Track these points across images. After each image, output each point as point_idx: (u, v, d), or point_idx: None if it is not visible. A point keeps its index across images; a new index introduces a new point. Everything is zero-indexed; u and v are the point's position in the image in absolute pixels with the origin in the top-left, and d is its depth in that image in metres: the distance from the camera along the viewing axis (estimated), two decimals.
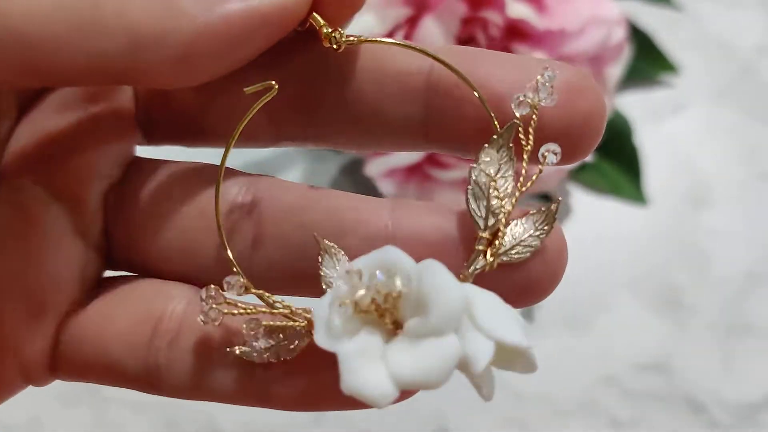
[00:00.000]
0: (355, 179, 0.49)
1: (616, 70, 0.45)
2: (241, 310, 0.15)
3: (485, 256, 0.15)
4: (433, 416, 0.41)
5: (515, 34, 0.40)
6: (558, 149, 0.15)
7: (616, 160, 0.48)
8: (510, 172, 0.15)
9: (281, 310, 0.15)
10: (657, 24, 0.51)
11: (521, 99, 0.15)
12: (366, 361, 0.13)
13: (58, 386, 0.18)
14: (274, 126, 0.17)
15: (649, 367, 0.42)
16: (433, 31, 0.37)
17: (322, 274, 0.15)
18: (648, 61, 0.51)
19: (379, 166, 0.40)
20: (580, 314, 0.44)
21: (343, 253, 0.15)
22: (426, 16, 0.37)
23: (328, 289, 0.14)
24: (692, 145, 0.50)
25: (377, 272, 0.13)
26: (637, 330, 0.43)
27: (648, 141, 0.49)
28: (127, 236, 0.17)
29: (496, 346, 0.14)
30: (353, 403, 0.13)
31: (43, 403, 0.41)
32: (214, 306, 0.15)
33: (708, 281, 0.45)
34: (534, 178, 0.16)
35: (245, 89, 0.15)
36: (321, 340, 0.13)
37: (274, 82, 0.15)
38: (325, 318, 0.13)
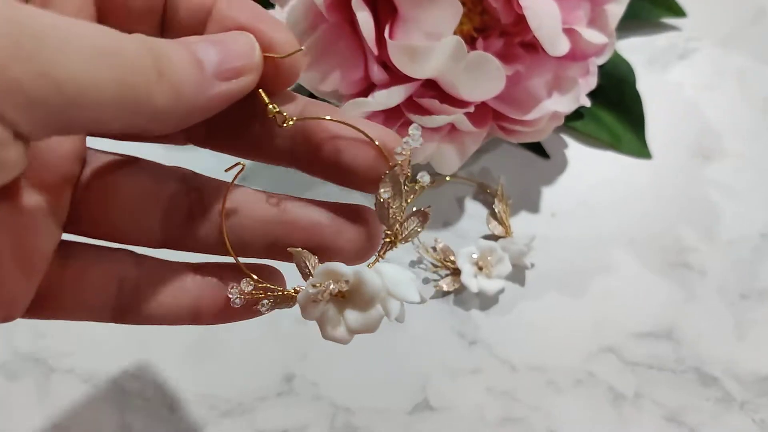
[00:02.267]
0: None
1: (617, 8, 0.40)
2: (259, 292, 0.22)
3: (392, 243, 0.23)
4: (418, 389, 0.36)
5: None
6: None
7: (616, 109, 0.44)
8: (398, 195, 0.23)
9: (279, 291, 0.22)
10: None
11: (399, 150, 0.23)
12: (332, 323, 0.22)
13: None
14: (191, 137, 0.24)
15: (654, 335, 0.38)
16: None
17: (301, 266, 0.22)
18: (653, 1, 0.47)
19: (357, 107, 0.36)
20: (576, 277, 0.39)
21: (309, 253, 0.22)
22: None
23: (305, 288, 0.22)
24: (699, 93, 0.45)
25: (330, 283, 0.21)
26: (640, 294, 0.39)
27: (651, 89, 0.44)
28: (88, 214, 0.23)
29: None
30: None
31: None
32: (244, 292, 0.22)
33: (718, 241, 0.40)
34: (413, 197, 0.24)
35: (225, 170, 0.22)
36: (305, 315, 0.22)
37: (243, 163, 0.22)
38: (302, 305, 0.22)
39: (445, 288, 0.39)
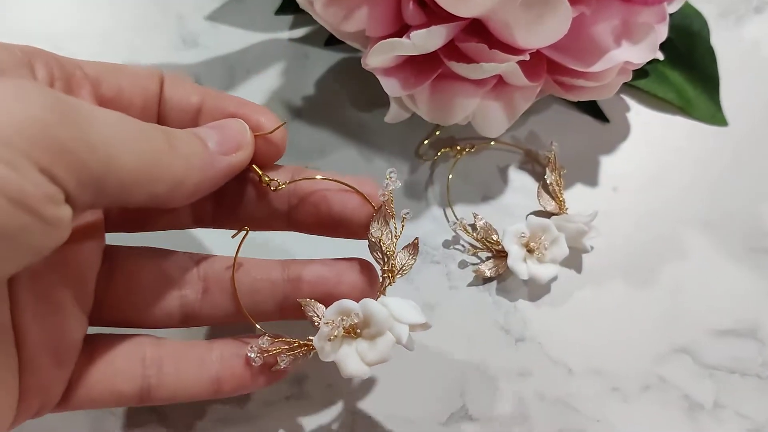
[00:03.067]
0: (349, 76, 0.38)
1: None
2: (276, 348, 0.25)
3: (390, 279, 0.26)
4: (455, 395, 0.30)
5: None
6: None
7: (686, 68, 0.37)
8: (387, 232, 0.26)
9: (293, 343, 0.25)
10: None
11: (382, 192, 0.26)
12: (349, 359, 0.24)
13: None
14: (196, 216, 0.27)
15: (735, 333, 0.32)
16: None
17: (309, 314, 0.25)
18: None
19: (387, 49, 0.29)
20: (643, 263, 0.33)
21: (316, 302, 0.25)
22: None
23: (319, 326, 0.25)
24: None
25: (341, 318, 0.24)
26: (719, 285, 0.33)
27: (723, 47, 0.37)
28: (113, 302, 0.25)
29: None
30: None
31: None
32: (263, 350, 0.25)
33: None
34: (398, 233, 0.26)
35: (232, 236, 0.26)
36: (323, 356, 0.24)
37: (247, 228, 0.25)
38: (319, 347, 0.24)
39: (487, 273, 0.32)
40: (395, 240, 0.26)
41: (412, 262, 0.26)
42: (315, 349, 0.25)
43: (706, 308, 0.32)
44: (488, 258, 0.33)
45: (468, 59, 0.31)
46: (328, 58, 0.39)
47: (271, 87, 0.38)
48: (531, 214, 0.34)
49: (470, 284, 0.33)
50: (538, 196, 0.34)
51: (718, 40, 0.37)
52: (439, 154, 0.35)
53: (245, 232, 0.25)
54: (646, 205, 0.34)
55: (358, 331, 0.25)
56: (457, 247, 0.34)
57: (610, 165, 0.35)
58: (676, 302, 0.32)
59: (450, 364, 0.31)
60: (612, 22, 0.32)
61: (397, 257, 0.26)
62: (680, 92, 0.37)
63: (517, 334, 0.32)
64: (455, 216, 0.33)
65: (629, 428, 0.30)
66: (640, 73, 0.36)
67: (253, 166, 0.25)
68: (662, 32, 0.33)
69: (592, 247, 0.33)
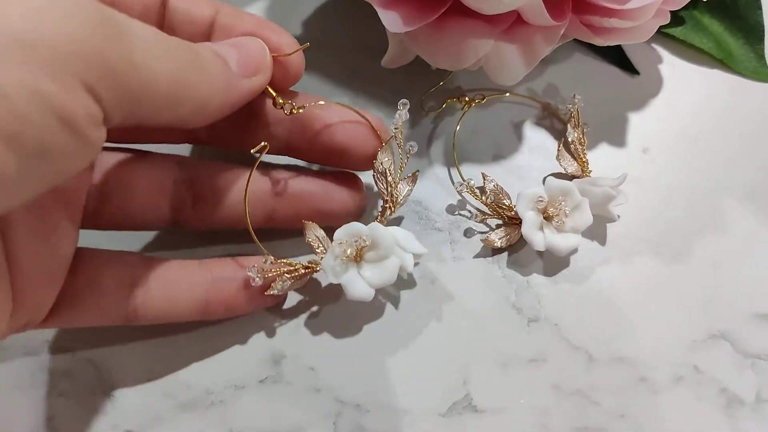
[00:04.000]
0: (342, 13, 0.33)
1: None
2: (275, 269, 0.25)
3: (391, 209, 0.26)
4: (457, 383, 0.26)
5: None
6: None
7: (726, 15, 0.33)
8: (393, 163, 0.26)
9: (295, 265, 0.25)
10: None
11: (394, 123, 0.26)
12: (355, 282, 0.25)
13: None
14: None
15: None
16: None
17: (309, 239, 0.25)
18: None
19: None
20: (677, 236, 0.29)
21: (316, 225, 0.26)
22: None
23: (326, 251, 0.25)
24: None
25: (353, 239, 0.25)
26: (761, 263, 0.28)
27: None
28: (107, 209, 0.25)
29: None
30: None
31: None
32: (263, 270, 0.25)
33: None
34: (404, 163, 0.27)
35: (251, 150, 0.24)
36: (330, 278, 0.25)
37: (266, 143, 0.24)
38: (329, 267, 0.25)
39: (498, 243, 0.28)
40: (400, 171, 0.27)
41: (411, 189, 0.27)
42: (317, 271, 0.25)
43: (748, 289, 0.28)
44: (498, 226, 0.28)
45: None
46: None
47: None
48: (549, 176, 0.29)
49: (477, 255, 0.28)
50: (557, 157, 0.29)
51: None
52: (444, 105, 0.31)
53: (265, 146, 0.25)
54: (681, 170, 0.30)
55: (363, 256, 0.25)
56: (462, 212, 0.29)
57: (639, 123, 0.31)
58: (714, 282, 0.28)
59: (452, 347, 0.26)
60: None
61: (398, 187, 0.27)
62: (720, 43, 0.32)
63: (530, 313, 0.27)
64: (461, 177, 0.29)
65: (657, 425, 0.26)
66: (676, 19, 0.32)
67: (268, 87, 0.24)
68: None
69: (618, 216, 0.28)
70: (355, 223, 0.25)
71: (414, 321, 0.27)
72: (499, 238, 0.28)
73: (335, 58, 0.32)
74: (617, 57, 0.32)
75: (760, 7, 0.32)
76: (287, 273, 0.25)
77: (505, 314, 0.27)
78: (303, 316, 0.27)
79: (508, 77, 0.28)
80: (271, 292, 0.25)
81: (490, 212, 0.28)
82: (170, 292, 0.24)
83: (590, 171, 0.29)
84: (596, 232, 0.28)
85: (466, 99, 0.30)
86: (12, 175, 0.16)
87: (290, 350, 0.26)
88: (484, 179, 0.29)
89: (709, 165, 0.30)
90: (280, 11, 0.34)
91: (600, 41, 0.28)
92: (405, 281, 0.28)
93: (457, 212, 0.29)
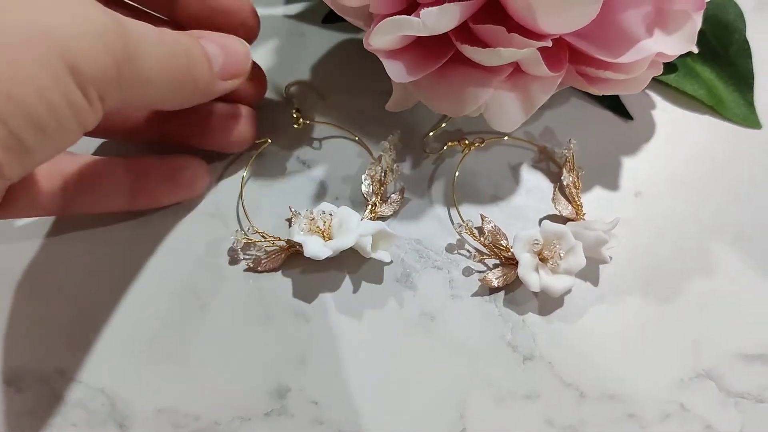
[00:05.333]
0: (349, 58, 0.35)
1: None
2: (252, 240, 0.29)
3: (371, 213, 0.30)
4: (454, 417, 0.27)
5: None
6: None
7: (718, 63, 0.34)
8: (382, 172, 0.31)
9: (272, 239, 0.29)
10: None
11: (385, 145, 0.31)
12: (315, 243, 0.28)
13: None
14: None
15: (764, 358, 0.29)
16: None
17: (292, 221, 0.30)
18: None
19: (393, 28, 0.26)
20: (666, 277, 0.30)
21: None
22: None
23: (296, 220, 0.29)
24: None
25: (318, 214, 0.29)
26: (748, 303, 0.30)
27: (759, 41, 0.34)
28: None
29: (374, 238, 0.28)
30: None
31: None
32: (239, 239, 0.29)
33: None
34: (388, 182, 0.31)
35: (256, 141, 0.31)
36: (294, 237, 0.28)
37: (269, 140, 0.32)
38: (296, 232, 0.29)
39: (494, 283, 0.29)
40: (393, 175, 0.31)
41: (400, 199, 0.31)
42: (288, 249, 0.29)
43: (734, 330, 0.29)
44: (496, 266, 0.30)
45: (483, 43, 0.27)
46: (327, 38, 0.35)
47: (263, 68, 0.34)
48: (545, 218, 0.30)
49: (475, 294, 0.29)
50: (553, 200, 0.30)
51: (754, 33, 0.34)
52: (445, 147, 0.32)
53: (267, 142, 0.31)
54: (671, 213, 0.31)
55: (329, 234, 0.29)
56: (461, 252, 0.30)
57: (632, 167, 0.32)
58: (701, 322, 0.29)
59: (449, 382, 0.28)
60: (643, 8, 0.28)
61: (388, 190, 0.31)
62: (711, 90, 0.33)
63: (525, 351, 0.28)
64: (461, 217, 0.30)
65: None
66: (669, 67, 0.33)
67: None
68: (697, 22, 0.30)
69: (610, 258, 0.29)
70: (326, 203, 0.29)
71: (413, 356, 0.28)
72: (497, 278, 0.29)
73: (342, 100, 0.34)
74: (612, 103, 0.33)
75: (750, 56, 0.34)
76: (263, 243, 0.29)
77: (501, 352, 0.28)
78: (307, 351, 0.28)
79: (507, 124, 0.29)
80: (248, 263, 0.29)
81: (488, 252, 0.30)
82: (99, 185, 0.28)
83: (584, 214, 0.30)
84: (589, 273, 0.30)
85: (466, 142, 0.32)
86: (31, 147, 0.19)
87: (295, 384, 0.28)
88: (483, 220, 0.30)
89: (699, 209, 0.31)
90: (288, 53, 0.35)
91: (595, 90, 0.29)
92: (406, 317, 0.29)
93: (456, 251, 0.30)
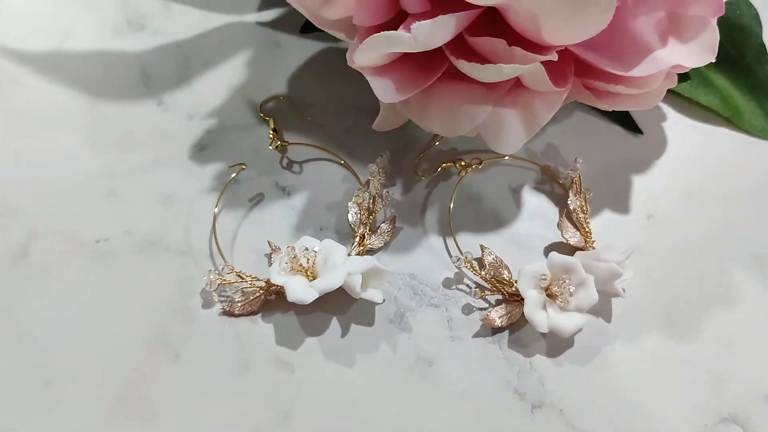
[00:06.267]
0: (330, 70, 0.31)
1: None
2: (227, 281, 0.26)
3: (359, 246, 0.27)
4: None
5: None
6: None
7: (734, 71, 0.31)
8: (371, 199, 0.28)
9: (250, 280, 0.26)
10: None
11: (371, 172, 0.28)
12: (300, 285, 0.25)
13: None
14: None
15: None
16: None
17: (272, 258, 0.27)
18: None
19: (382, 45, 0.23)
20: (685, 310, 0.27)
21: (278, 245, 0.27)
22: None
23: (275, 257, 0.27)
24: None
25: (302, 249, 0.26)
26: None
27: None
28: None
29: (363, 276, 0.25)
30: None
31: None
32: (213, 280, 0.26)
33: None
34: (377, 210, 0.28)
35: (229, 167, 0.29)
36: (275, 279, 0.25)
37: (244, 165, 0.29)
38: (275, 271, 0.26)
39: (498, 322, 0.26)
40: (376, 210, 0.28)
41: (383, 243, 0.28)
42: (271, 293, 0.27)
43: (758, 367, 0.26)
44: (499, 302, 0.27)
45: (480, 58, 0.25)
46: (305, 47, 0.32)
47: (234, 82, 0.31)
48: (551, 249, 0.28)
49: (476, 335, 0.27)
50: (559, 226, 0.28)
51: None
52: (439, 170, 0.29)
53: (242, 167, 0.28)
54: (686, 237, 0.29)
55: (313, 272, 0.26)
56: (460, 287, 0.27)
57: (643, 186, 0.30)
58: (725, 359, 0.26)
59: None
60: (656, 14, 0.26)
61: (378, 219, 0.28)
62: (726, 99, 0.31)
63: (533, 398, 0.26)
64: (459, 249, 0.27)
65: None
66: (681, 75, 0.30)
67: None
68: (717, 28, 0.27)
69: (624, 290, 0.27)
70: (307, 237, 0.27)
71: (410, 407, 0.25)
72: (500, 317, 0.26)
73: (325, 117, 0.31)
74: (620, 116, 0.31)
75: (767, 62, 0.31)
76: (239, 284, 0.26)
77: (507, 399, 0.26)
78: (292, 406, 0.25)
79: (508, 145, 0.26)
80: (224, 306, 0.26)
81: (489, 287, 0.27)
82: None
83: (593, 241, 0.27)
84: (601, 308, 0.27)
85: (463, 163, 0.29)
86: None
87: None
88: (483, 251, 0.27)
89: (715, 229, 0.29)
90: (263, 65, 0.32)
91: (604, 106, 0.27)
92: (401, 363, 0.26)
93: (454, 287, 0.27)
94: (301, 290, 0.25)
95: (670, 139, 0.31)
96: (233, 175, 0.29)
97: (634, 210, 0.29)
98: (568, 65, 0.26)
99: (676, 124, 0.31)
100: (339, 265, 0.26)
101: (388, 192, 0.28)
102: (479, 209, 0.29)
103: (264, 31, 0.33)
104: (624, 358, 0.26)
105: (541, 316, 0.25)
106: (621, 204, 0.29)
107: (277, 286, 0.26)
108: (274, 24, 0.33)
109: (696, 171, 0.30)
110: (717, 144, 0.31)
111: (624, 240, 0.28)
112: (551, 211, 0.29)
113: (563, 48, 0.25)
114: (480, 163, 0.29)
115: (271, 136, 0.29)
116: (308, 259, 0.26)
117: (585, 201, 0.28)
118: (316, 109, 0.31)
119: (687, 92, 0.30)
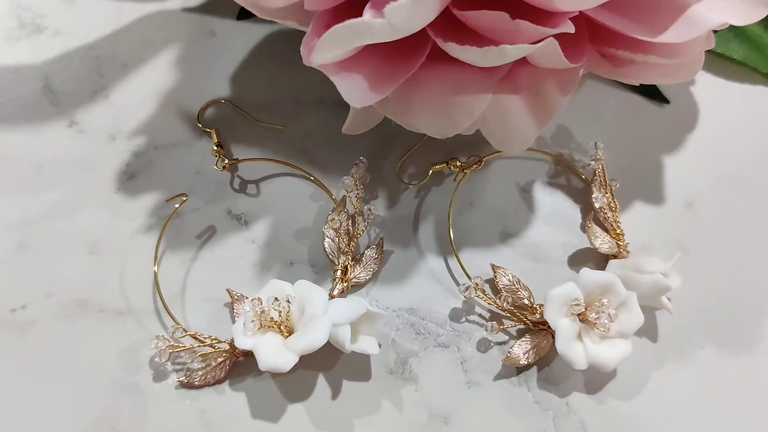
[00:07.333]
0: (280, 59, 0.26)
1: None
2: (181, 347, 0.22)
3: (342, 282, 0.23)
4: None
5: None
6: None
7: None
8: (349, 221, 0.23)
9: (210, 341, 0.22)
10: None
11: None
12: (274, 348, 0.20)
13: None
14: None
15: None
16: None
17: (235, 310, 0.22)
18: None
19: (349, 36, 0.17)
20: (738, 319, 0.23)
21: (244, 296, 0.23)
22: None
23: (238, 309, 0.22)
24: None
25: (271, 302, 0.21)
26: None
27: None
28: None
29: (352, 327, 0.20)
30: None
31: None
32: (163, 348, 0.21)
33: None
34: (359, 234, 0.23)
35: (167, 200, 0.23)
36: (240, 343, 0.21)
37: (186, 195, 0.23)
38: (240, 331, 0.21)
39: (523, 359, 0.21)
40: (365, 222, 0.23)
41: (369, 275, 0.23)
42: (238, 356, 0.22)
43: None
44: (521, 332, 0.22)
45: (474, 36, 0.19)
46: (247, 34, 0.26)
47: (160, 87, 0.26)
48: (576, 259, 0.23)
49: (498, 376, 0.22)
50: (586, 231, 0.23)
51: None
52: (429, 173, 0.24)
53: (184, 199, 0.24)
54: (733, 227, 0.24)
55: (289, 326, 0.21)
56: (471, 318, 0.22)
57: (677, 168, 0.25)
58: None
59: None
60: None
61: (361, 244, 0.24)
62: (763, 51, 0.26)
63: None
64: (465, 272, 0.22)
65: None
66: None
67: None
68: None
69: (671, 302, 0.22)
70: (277, 281, 0.22)
71: None
72: (525, 352, 0.21)
73: (280, 120, 0.25)
74: (640, 84, 0.25)
75: None
76: (197, 350, 0.22)
77: None
78: None
79: (516, 141, 0.21)
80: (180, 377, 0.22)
81: (508, 316, 0.22)
82: None
83: (627, 244, 0.23)
84: (644, 325, 0.22)
85: (458, 163, 0.23)
86: None
87: None
88: (495, 272, 0.22)
89: (766, 215, 0.24)
90: (196, 62, 0.26)
91: (630, 79, 0.21)
92: (410, 423, 0.21)
93: (464, 319, 0.22)
94: (274, 354, 0.20)
95: (701, 106, 0.25)
96: (175, 207, 0.23)
97: (670, 198, 0.24)
98: (582, 34, 0.20)
99: (707, 87, 0.26)
100: (320, 315, 0.20)
101: (370, 208, 0.23)
102: (483, 217, 0.24)
103: (193, 19, 0.27)
104: (676, 383, 0.22)
105: (577, 351, 0.21)
106: (653, 192, 0.24)
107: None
108: (204, 9, 0.27)
109: (738, 143, 0.25)
110: (756, 106, 0.26)
111: (662, 237, 0.23)
112: (570, 209, 0.24)
113: (577, 13, 0.19)
114: (480, 162, 0.24)
115: (215, 152, 0.24)
116: (280, 312, 0.21)
117: (612, 196, 0.23)
118: (268, 110, 0.25)
119: (717, 47, 0.25)
